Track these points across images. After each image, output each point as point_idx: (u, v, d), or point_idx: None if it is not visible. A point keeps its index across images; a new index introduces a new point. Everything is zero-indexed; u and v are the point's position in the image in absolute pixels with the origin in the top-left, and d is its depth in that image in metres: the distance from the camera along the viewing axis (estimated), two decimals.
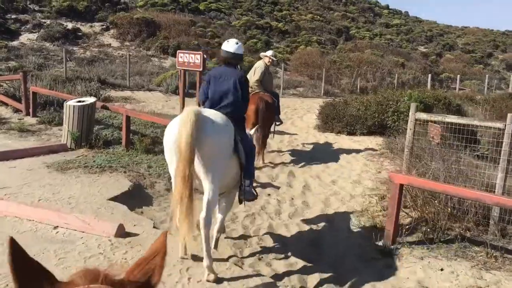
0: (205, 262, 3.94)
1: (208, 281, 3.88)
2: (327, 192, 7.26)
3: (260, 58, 9.25)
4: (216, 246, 4.72)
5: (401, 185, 4.85)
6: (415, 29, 45.77)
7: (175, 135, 3.85)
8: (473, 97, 21.80)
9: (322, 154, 9.82)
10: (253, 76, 8.56)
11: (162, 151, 8.41)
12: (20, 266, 0.90)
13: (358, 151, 10.23)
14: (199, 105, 5.62)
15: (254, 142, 5.75)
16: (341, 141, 11.38)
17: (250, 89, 6.75)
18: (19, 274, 0.89)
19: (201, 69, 11.35)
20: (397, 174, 4.98)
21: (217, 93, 4.63)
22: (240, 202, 4.74)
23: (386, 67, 26.39)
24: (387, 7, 55.90)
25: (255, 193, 4.80)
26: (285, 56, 29.00)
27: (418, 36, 43.22)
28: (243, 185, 4.55)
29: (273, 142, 10.45)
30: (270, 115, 8.32)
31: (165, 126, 4.83)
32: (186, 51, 12.23)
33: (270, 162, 8.84)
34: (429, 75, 25.65)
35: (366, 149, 10.35)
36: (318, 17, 39.68)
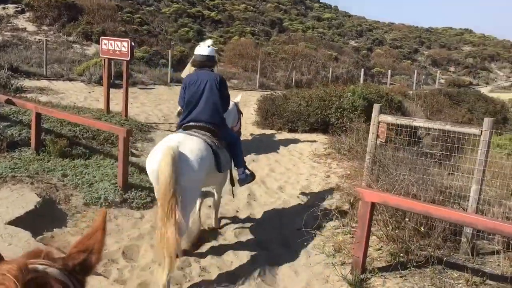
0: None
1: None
2: (276, 202, 6.43)
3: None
4: (217, 223, 5.58)
5: (373, 204, 4.09)
6: (345, 23, 46.34)
7: (155, 169, 4.15)
8: (405, 92, 21.99)
9: (265, 155, 8.98)
10: (190, 69, 8.36)
11: (80, 155, 7.23)
12: None
13: (302, 151, 9.51)
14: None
15: None
16: (283, 139, 10.61)
17: None
18: None
19: (128, 58, 10.08)
20: (367, 191, 4.20)
21: (194, 98, 4.72)
22: (233, 184, 5.32)
23: (320, 61, 26.12)
24: (317, 0, 56.24)
25: (251, 175, 5.30)
26: (219, 47, 27.88)
27: (349, 30, 43.73)
28: (238, 173, 5.13)
29: None
30: None
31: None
32: (111, 38, 10.86)
33: None
34: (362, 70, 25.68)
35: (311, 148, 9.65)
36: (251, 7, 38.88)
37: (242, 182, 5.20)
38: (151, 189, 6.19)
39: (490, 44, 51.09)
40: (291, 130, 11.40)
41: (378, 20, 59.69)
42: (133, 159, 7.80)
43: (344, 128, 10.57)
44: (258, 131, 11.50)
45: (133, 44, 10.27)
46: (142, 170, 7.01)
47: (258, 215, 5.94)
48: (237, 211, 5.98)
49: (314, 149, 9.62)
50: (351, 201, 5.77)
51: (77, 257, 1.04)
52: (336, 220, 5.45)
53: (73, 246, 1.08)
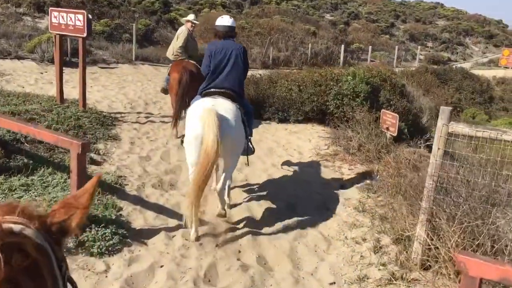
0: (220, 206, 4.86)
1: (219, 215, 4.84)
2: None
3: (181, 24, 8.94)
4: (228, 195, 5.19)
5: (481, 280, 2.56)
6: None
7: (198, 134, 4.32)
8: (391, 71, 20.67)
9: (258, 156, 7.34)
10: (175, 42, 8.23)
11: (21, 168, 5.42)
12: None
13: (301, 148, 7.92)
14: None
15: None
16: (274, 133, 8.98)
17: (174, 56, 8.22)
18: None
19: (84, 35, 8.14)
20: (471, 259, 2.65)
21: (219, 66, 4.80)
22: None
23: (298, 36, 24.38)
24: None
25: (253, 149, 5.51)
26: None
27: (324, 3, 41.97)
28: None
29: None
30: (194, 85, 7.23)
31: None
32: (63, 10, 8.85)
33: None
34: (342, 46, 24.16)
35: (312, 145, 8.07)
36: None
37: (249, 152, 5.34)
38: (118, 223, 4.49)
39: (463, 18, 50.43)
40: (281, 120, 9.77)
41: None
42: (93, 168, 6.04)
43: (345, 118, 9.04)
44: None
45: (90, 17, 8.31)
46: (107, 187, 5.28)
47: (269, 257, 4.33)
48: (239, 252, 4.35)
49: (315, 146, 8.05)
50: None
51: (57, 216, 0.99)
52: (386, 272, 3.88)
53: (56, 205, 1.03)
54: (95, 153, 6.60)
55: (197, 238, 4.43)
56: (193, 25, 8.41)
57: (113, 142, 7.36)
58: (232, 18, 5.19)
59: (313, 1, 41.57)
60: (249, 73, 13.93)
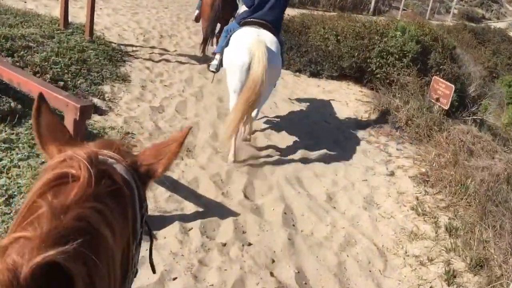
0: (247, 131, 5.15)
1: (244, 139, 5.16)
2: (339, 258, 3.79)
3: None
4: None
5: None
6: None
7: (245, 62, 4.45)
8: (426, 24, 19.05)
9: (290, 125, 6.26)
10: None
11: (6, 114, 4.37)
12: (41, 119, 0.99)
13: (340, 115, 6.81)
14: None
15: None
16: (306, 88, 7.84)
17: None
18: (39, 125, 0.99)
19: None
20: None
21: (264, 2, 4.81)
22: None
23: None
24: None
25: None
26: None
27: None
28: None
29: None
30: (226, 10, 7.34)
31: None
32: None
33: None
34: None
35: (351, 112, 6.95)
36: None
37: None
38: None
39: None
40: (313, 74, 8.59)
41: None
42: (96, 119, 4.99)
43: (387, 81, 7.87)
44: None
45: None
46: None
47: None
48: (272, 275, 3.37)
49: (354, 112, 6.95)
50: None
51: (146, 159, 1.04)
52: None
53: (147, 149, 1.09)
54: (99, 98, 5.52)
55: (235, 161, 4.76)
56: None
57: (121, 84, 6.25)
58: None
59: None
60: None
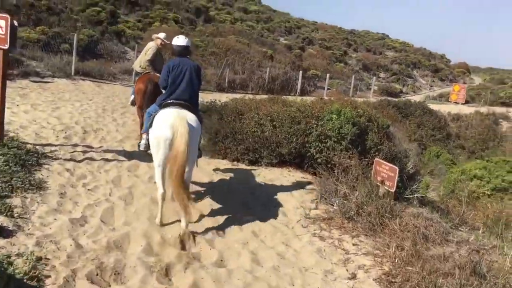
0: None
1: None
2: None
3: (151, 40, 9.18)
4: None
5: None
6: (274, 18, 43.54)
7: (167, 138, 4.80)
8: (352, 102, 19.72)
9: (233, 216, 5.65)
10: (144, 56, 8.74)
11: None
12: None
13: (285, 205, 6.30)
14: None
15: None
16: (248, 180, 7.32)
17: (141, 69, 8.81)
18: None
19: (6, 46, 6.18)
20: None
21: (177, 80, 5.35)
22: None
23: (255, 58, 22.99)
24: None
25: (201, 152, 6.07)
26: (136, 33, 23.62)
27: (278, 26, 40.90)
28: None
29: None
30: (158, 95, 6.97)
31: None
32: None
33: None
34: (300, 72, 23.04)
35: (297, 201, 6.47)
36: None
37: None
38: None
39: (410, 51, 51.36)
40: (252, 162, 8.15)
41: (303, 18, 58.00)
42: (0, 245, 4.09)
43: (329, 165, 7.56)
44: (205, 161, 8.08)
45: (15, 24, 6.32)
46: None
47: None
48: None
49: (301, 202, 6.46)
50: None
51: None
52: None
53: None
54: (6, 215, 4.63)
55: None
56: (163, 42, 8.76)
57: (35, 193, 5.39)
58: (187, 38, 5.73)
59: (267, 23, 40.49)
60: (209, 98, 12.33)
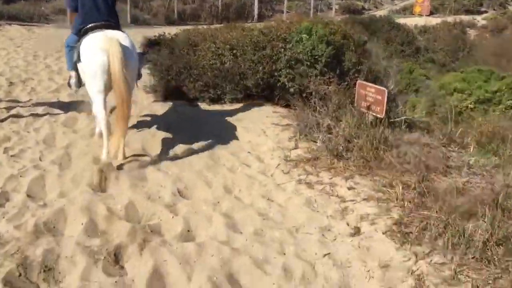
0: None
1: None
2: None
3: None
4: None
5: None
6: None
7: (102, 64, 4.39)
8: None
9: (199, 170, 4.60)
10: None
11: None
12: None
13: (258, 149, 5.26)
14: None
15: None
16: (210, 121, 6.19)
17: None
18: None
19: None
20: None
21: (89, 2, 4.74)
22: None
23: None
24: None
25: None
26: None
27: None
28: None
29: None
30: None
31: None
32: None
33: None
34: None
35: (272, 142, 5.42)
36: None
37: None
38: None
39: None
40: (213, 100, 6.99)
41: None
42: None
43: (304, 95, 6.50)
44: (158, 104, 6.87)
45: None
46: None
47: None
48: None
49: (276, 142, 5.42)
50: None
51: None
52: None
53: None
54: None
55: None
56: None
57: None
58: None
59: None
60: (157, 32, 10.81)
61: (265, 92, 7.00)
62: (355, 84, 6.18)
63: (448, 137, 7.24)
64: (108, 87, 4.57)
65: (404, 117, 7.02)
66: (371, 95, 5.83)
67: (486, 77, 12.07)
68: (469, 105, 10.50)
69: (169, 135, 5.49)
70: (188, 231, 3.57)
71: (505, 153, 7.21)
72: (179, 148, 5.12)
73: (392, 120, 6.73)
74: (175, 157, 4.92)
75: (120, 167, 4.54)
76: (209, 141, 5.39)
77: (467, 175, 4.79)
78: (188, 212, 3.77)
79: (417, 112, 7.73)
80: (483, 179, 4.51)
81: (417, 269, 3.01)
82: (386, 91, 5.66)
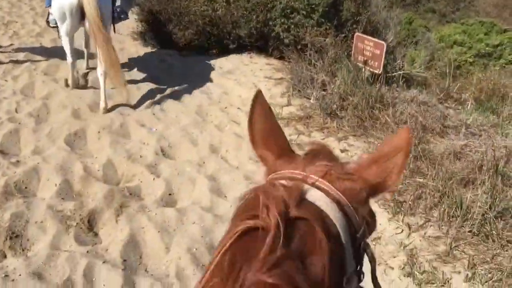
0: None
1: None
2: None
3: None
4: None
5: None
6: None
7: (73, 4, 4.39)
8: None
9: (183, 125, 4.35)
10: None
11: None
12: (256, 120, 0.90)
13: (247, 107, 4.98)
14: None
15: None
16: (200, 71, 5.86)
17: None
18: (253, 126, 0.90)
19: None
20: None
21: None
22: None
23: None
24: None
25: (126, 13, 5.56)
26: None
27: None
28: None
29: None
30: None
31: None
32: None
33: None
34: None
35: (266, 96, 5.14)
36: None
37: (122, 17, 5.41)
38: None
39: None
40: (204, 50, 6.62)
41: None
42: None
43: (299, 47, 6.16)
44: (145, 53, 6.51)
45: None
46: None
47: None
48: None
49: (269, 98, 5.10)
50: None
51: (369, 179, 0.81)
52: None
53: (365, 163, 0.85)
54: None
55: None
56: None
57: None
58: None
59: None
60: None
61: (258, 43, 6.62)
62: (353, 36, 5.85)
63: (445, 92, 7.03)
64: (76, 29, 4.67)
65: (402, 71, 6.74)
66: (369, 49, 5.51)
67: (487, 30, 11.65)
68: (468, 59, 10.16)
69: (155, 87, 5.19)
70: (170, 194, 3.37)
71: (504, 111, 6.99)
72: (166, 103, 4.85)
73: (389, 74, 6.46)
74: (161, 112, 4.65)
75: (103, 121, 4.29)
76: (198, 95, 5.10)
77: (465, 136, 4.58)
78: (170, 174, 3.55)
79: (415, 66, 7.35)
80: (482, 141, 4.29)
81: (410, 243, 2.84)
82: (384, 45, 5.35)
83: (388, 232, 2.96)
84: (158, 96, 4.95)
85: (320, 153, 0.87)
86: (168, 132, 4.23)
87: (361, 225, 0.79)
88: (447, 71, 8.16)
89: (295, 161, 0.84)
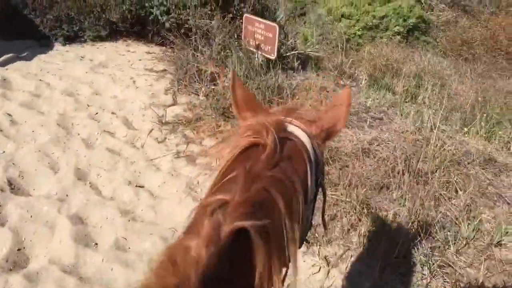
0: None
1: None
2: None
3: None
4: None
5: None
6: None
7: None
8: None
9: (42, 142, 3.43)
10: None
11: None
12: (237, 93, 1.16)
13: (128, 111, 4.14)
14: None
15: None
16: (64, 66, 4.84)
17: None
18: (236, 97, 1.16)
19: None
20: None
21: None
22: None
23: None
24: None
25: None
26: None
27: None
28: None
29: None
30: None
31: None
32: None
33: None
34: None
35: (144, 95, 4.32)
36: None
37: None
38: None
39: None
40: (70, 39, 5.56)
41: None
42: None
43: (183, 31, 5.41)
44: None
45: None
46: None
47: None
48: None
49: (150, 96, 4.33)
50: None
51: (324, 125, 1.12)
52: None
53: (320, 114, 1.17)
54: None
55: None
56: None
57: None
58: None
59: None
60: None
61: (135, 28, 5.72)
62: (241, 16, 5.21)
63: (340, 69, 6.78)
64: None
65: (296, 52, 6.29)
66: (260, 32, 4.94)
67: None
68: (357, 32, 10.05)
69: (4, 93, 4.13)
70: (19, 250, 2.52)
71: (398, 86, 6.89)
72: (18, 113, 3.85)
73: (284, 54, 5.97)
74: (11, 127, 3.67)
75: None
76: (61, 98, 4.14)
77: (369, 127, 4.22)
78: (20, 219, 2.69)
79: (309, 46, 6.94)
80: (390, 134, 3.93)
81: (331, 285, 2.32)
82: (277, 27, 4.79)
83: (304, 273, 2.42)
84: (7, 105, 3.92)
85: (292, 108, 1.12)
86: (20, 154, 3.29)
87: (320, 160, 1.08)
88: (339, 46, 7.91)
89: (274, 112, 1.12)
